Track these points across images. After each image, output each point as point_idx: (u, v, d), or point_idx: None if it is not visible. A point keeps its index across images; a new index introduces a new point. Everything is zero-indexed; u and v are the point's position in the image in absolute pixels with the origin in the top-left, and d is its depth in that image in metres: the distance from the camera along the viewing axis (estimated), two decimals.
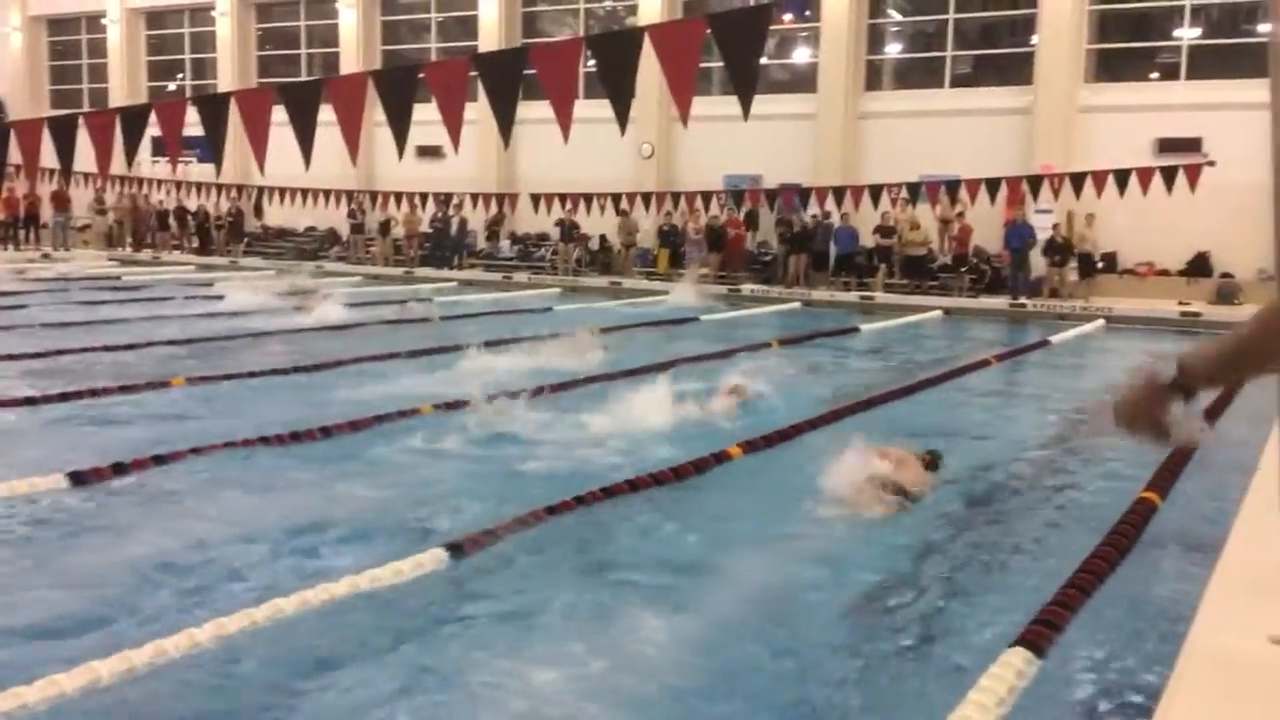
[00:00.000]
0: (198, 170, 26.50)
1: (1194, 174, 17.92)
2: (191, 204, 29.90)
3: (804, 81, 25.28)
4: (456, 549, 5.09)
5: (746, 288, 22.03)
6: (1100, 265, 20.43)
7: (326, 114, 6.62)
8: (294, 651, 4.13)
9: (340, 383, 10.10)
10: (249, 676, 3.94)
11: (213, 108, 7.07)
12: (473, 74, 5.66)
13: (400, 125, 5.87)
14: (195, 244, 30.08)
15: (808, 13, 25.09)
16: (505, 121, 5.66)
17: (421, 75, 5.86)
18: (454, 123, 5.67)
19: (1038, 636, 3.91)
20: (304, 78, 30.22)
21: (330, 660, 4.10)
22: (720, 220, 23.68)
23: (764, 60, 26.11)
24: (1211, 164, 18.11)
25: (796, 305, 20.26)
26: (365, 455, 7.31)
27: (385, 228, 27.25)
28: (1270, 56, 3.48)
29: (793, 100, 24.72)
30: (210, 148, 6.98)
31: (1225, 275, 19.99)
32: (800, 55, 26.08)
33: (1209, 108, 19.83)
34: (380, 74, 6.63)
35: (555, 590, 4.85)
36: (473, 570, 5.02)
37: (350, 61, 29.79)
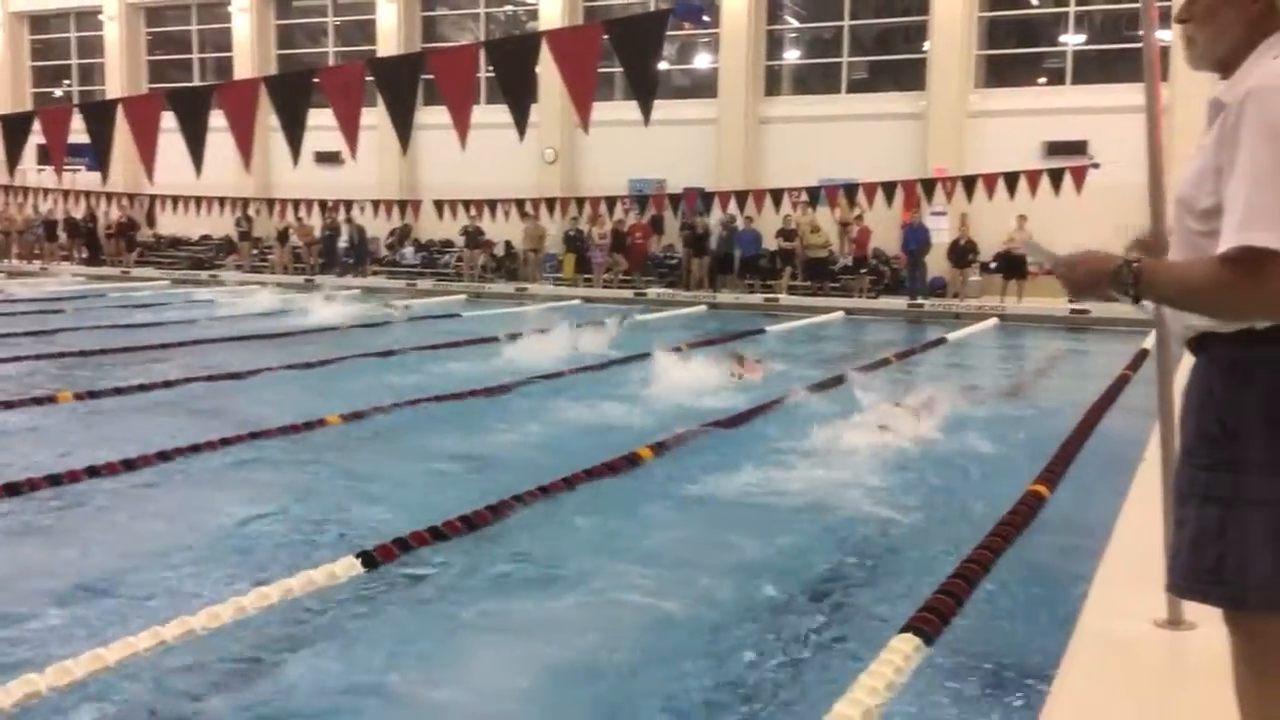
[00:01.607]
0: (86, 179, 25.68)
1: (1080, 176, 18.52)
2: (80, 213, 28.95)
3: (705, 87, 25.52)
4: (369, 558, 5.03)
5: (653, 291, 22.14)
6: (993, 265, 20.95)
7: (220, 120, 6.49)
8: (204, 669, 4.04)
9: (247, 393, 9.91)
10: (156, 698, 3.84)
11: (99, 114, 6.87)
12: (370, 79, 5.61)
13: (295, 131, 5.78)
14: (85, 254, 29.13)
15: (706, 18, 25.31)
16: (403, 127, 5.61)
17: (316, 80, 5.79)
18: (350, 128, 5.60)
19: (925, 623, 4.02)
20: (196, 83, 29.50)
21: (244, 674, 4.02)
22: (625, 225, 23.77)
23: (665, 66, 26.30)
24: (1096, 166, 18.74)
25: (703, 308, 20.42)
26: (276, 465, 7.20)
27: (283, 235, 26.73)
28: (1145, 62, 3.63)
29: (695, 105, 24.93)
30: (96, 155, 6.78)
31: (1112, 298, 20.69)
32: (701, 61, 26.32)
33: (1094, 111, 20.52)
34: (273, 79, 6.51)
35: (470, 596, 4.84)
36: (388, 579, 4.98)
37: (244, 66, 29.15)
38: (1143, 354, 12.19)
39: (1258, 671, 2.16)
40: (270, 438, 7.77)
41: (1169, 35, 21.42)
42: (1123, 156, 17.11)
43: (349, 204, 25.59)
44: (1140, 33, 3.61)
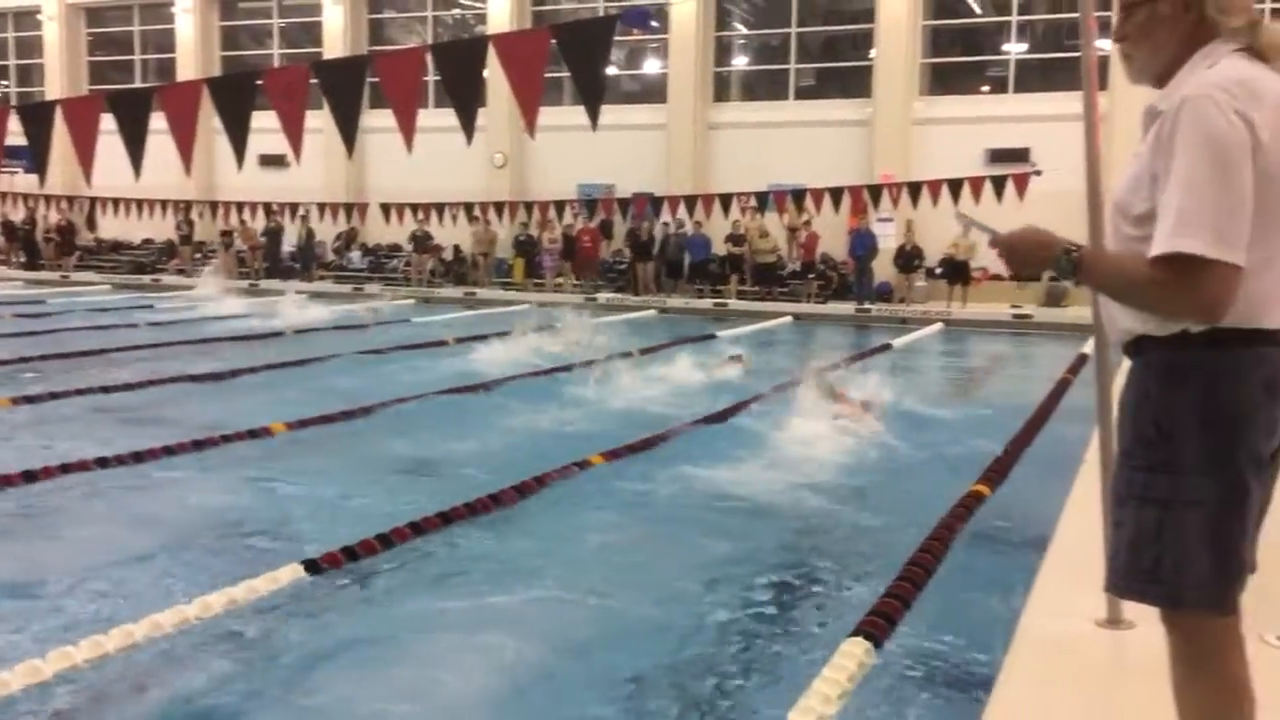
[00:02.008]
0: (24, 181, 25.16)
1: (1022, 183, 18.80)
2: (18, 217, 28.34)
3: (654, 92, 25.58)
4: (313, 566, 4.97)
5: (603, 296, 22.14)
6: (938, 271, 21.20)
7: (162, 122, 6.38)
8: (145, 679, 3.98)
9: (187, 400, 9.77)
10: (95, 708, 3.77)
11: (37, 116, 6.74)
12: (315, 81, 5.55)
13: (238, 134, 5.70)
14: (23, 259, 28.53)
15: (655, 24, 25.39)
16: (348, 131, 5.56)
17: (260, 82, 5.72)
18: (294, 131, 5.54)
19: (874, 627, 4.05)
20: (138, 85, 29.03)
21: (185, 684, 3.96)
22: (575, 229, 23.75)
23: (615, 71, 26.35)
24: (1038, 173, 19.05)
25: (652, 313, 20.45)
26: (221, 473, 7.11)
27: (227, 239, 26.36)
28: (1083, 71, 3.69)
29: (644, 110, 24.97)
30: (34, 158, 6.64)
31: (1054, 279, 20.93)
32: (651, 66, 26.38)
33: (1036, 119, 20.85)
34: (216, 81, 6.42)
35: (418, 604, 4.81)
36: (331, 587, 4.92)
37: (188, 68, 28.72)
38: (1083, 358, 12.40)
39: (1194, 669, 2.20)
40: (214, 445, 7.65)
41: (1108, 45, 21.92)
42: (1064, 163, 17.38)
43: (294, 207, 25.29)
44: (1080, 42, 3.68)
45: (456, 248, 25.13)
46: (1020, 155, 21.02)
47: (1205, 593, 2.13)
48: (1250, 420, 2.10)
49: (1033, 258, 2.27)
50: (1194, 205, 2.01)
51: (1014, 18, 22.93)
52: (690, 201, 22.05)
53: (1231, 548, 2.12)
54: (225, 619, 4.44)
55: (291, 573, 4.88)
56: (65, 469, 6.72)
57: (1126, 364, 2.30)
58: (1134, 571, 2.19)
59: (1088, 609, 3.61)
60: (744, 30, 26.14)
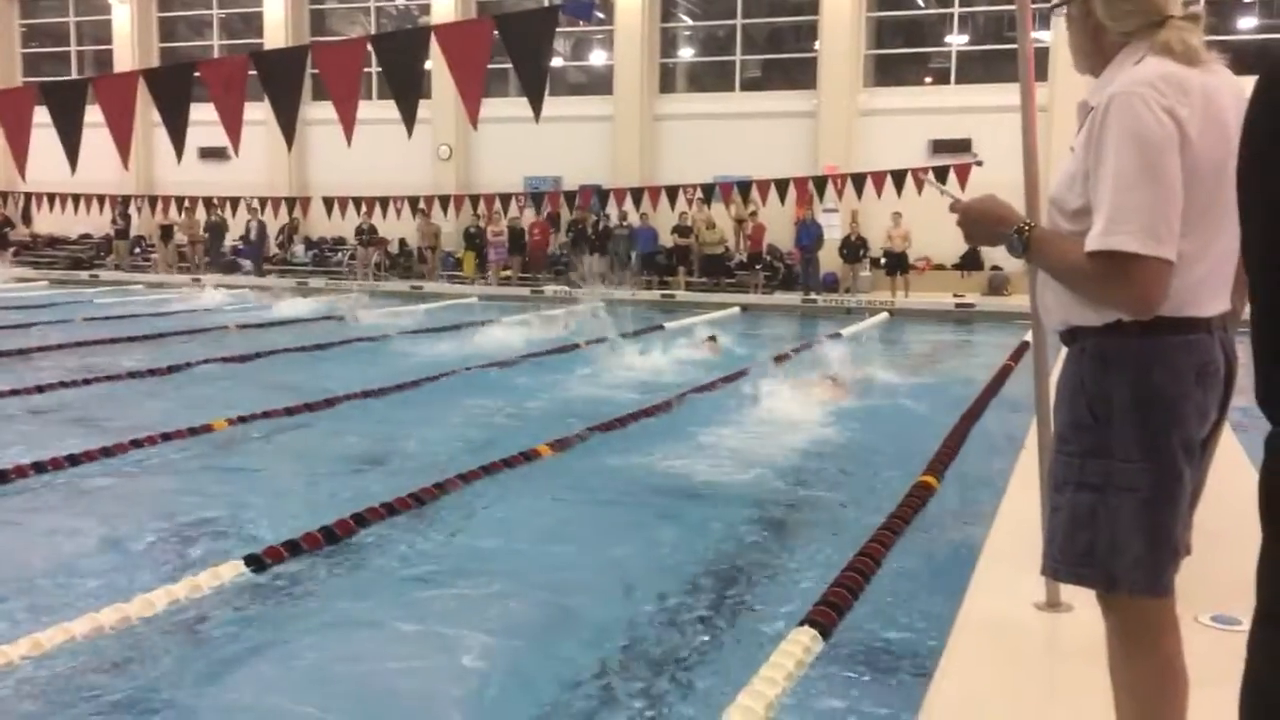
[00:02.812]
0: None
1: (964, 173, 19.00)
2: None
3: (600, 84, 25.53)
4: (256, 561, 4.92)
5: (550, 289, 22.08)
6: (883, 261, 21.41)
7: (98, 115, 6.25)
8: (84, 678, 3.91)
9: (126, 398, 9.61)
10: (31, 707, 3.70)
11: None
12: (254, 73, 5.47)
13: (176, 126, 5.60)
14: None
15: (601, 15, 25.33)
16: (288, 123, 5.49)
17: (198, 74, 5.62)
18: (233, 124, 5.46)
19: (822, 616, 4.09)
20: (74, 76, 28.42)
21: (125, 683, 3.90)
22: (522, 222, 23.65)
23: (561, 62, 26.25)
24: (979, 164, 19.26)
25: (599, 305, 20.41)
26: (169, 471, 7.02)
27: (167, 233, 25.92)
28: (1020, 63, 3.75)
29: (590, 102, 24.92)
30: None
31: (995, 268, 21.34)
32: (597, 58, 26.32)
33: (977, 110, 21.11)
34: (152, 72, 6.31)
35: (362, 597, 4.77)
36: (275, 582, 4.88)
37: (125, 60, 28.17)
38: (1024, 346, 12.58)
39: (1130, 650, 2.25)
40: (153, 444, 7.53)
41: (1046, 36, 22.17)
42: (1004, 154, 17.64)
43: (235, 201, 24.93)
44: (1032, 33, 3.74)
45: (402, 241, 24.92)
46: (962, 146, 21.28)
47: (1139, 575, 2.17)
48: (1182, 406, 2.15)
49: (988, 229, 2.32)
50: (1125, 202, 2.06)
51: (955, 9, 23.18)
52: (637, 193, 22.05)
53: (1165, 531, 2.17)
54: (167, 616, 4.38)
55: (234, 569, 4.83)
56: (2, 477, 6.58)
57: (1064, 352, 2.34)
58: (1070, 555, 2.24)
59: (1027, 592, 3.67)
60: (689, 22, 26.18)
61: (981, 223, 2.33)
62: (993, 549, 4.42)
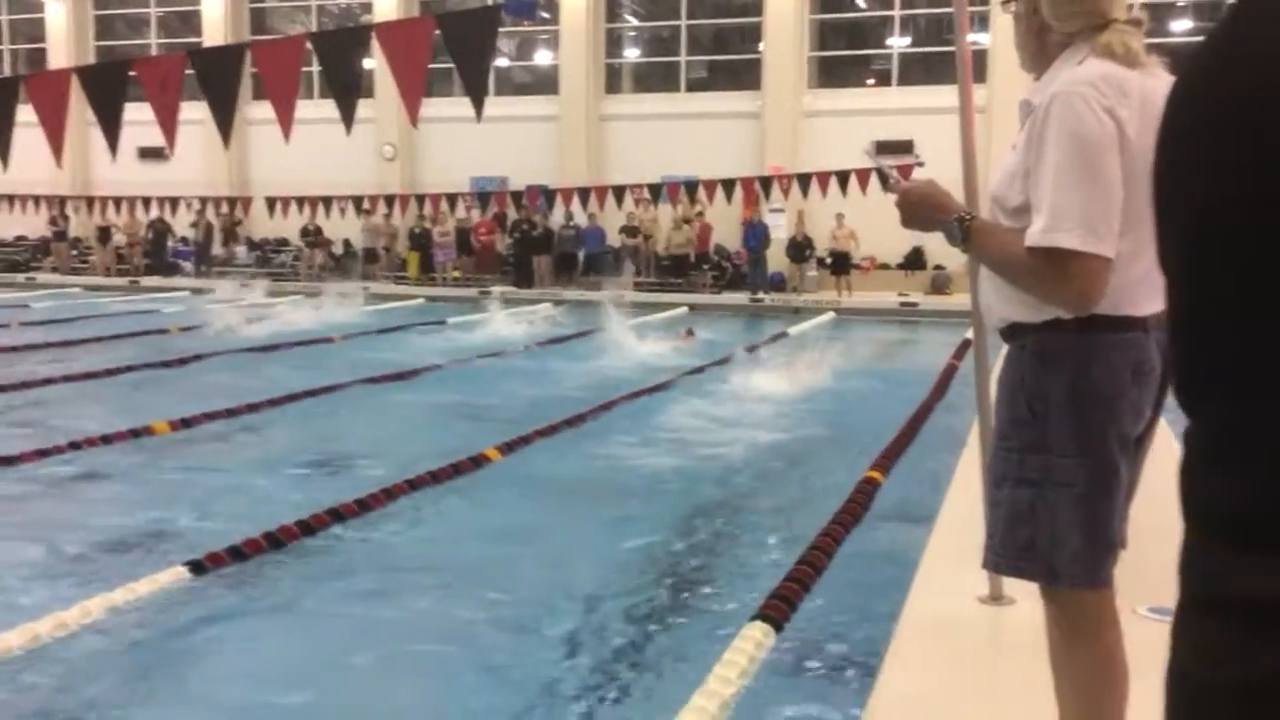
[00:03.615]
0: None
1: (906, 173, 19.13)
2: None
3: (546, 84, 25.46)
4: (198, 567, 4.84)
5: (497, 290, 21.95)
6: (828, 261, 21.58)
7: (32, 114, 6.10)
8: (25, 688, 3.82)
9: (66, 401, 9.41)
10: None
11: None
12: (191, 72, 5.38)
13: (110, 125, 5.49)
14: None
15: (546, 15, 25.27)
16: (225, 122, 5.41)
17: (133, 72, 5.52)
18: (169, 123, 5.36)
19: (775, 610, 4.11)
20: (6, 75, 27.78)
21: (62, 693, 3.82)
22: (469, 223, 23.51)
23: (506, 62, 26.14)
24: (921, 164, 19.44)
25: (548, 306, 20.37)
26: (109, 475, 6.89)
27: (104, 235, 25.43)
28: (957, 64, 3.79)
29: (536, 102, 24.84)
30: None
31: (938, 267, 21.59)
32: (542, 57, 26.25)
33: (919, 112, 21.32)
34: (86, 70, 6.18)
35: (306, 604, 4.72)
36: (217, 588, 4.80)
37: (59, 58, 27.56)
38: (967, 344, 12.68)
39: (1070, 642, 2.28)
40: (92, 446, 7.39)
41: (985, 39, 22.41)
42: (945, 154, 17.87)
43: (174, 201, 24.48)
44: (969, 35, 3.78)
45: (346, 242, 24.67)
46: (905, 147, 21.47)
47: (1079, 568, 2.21)
48: (1119, 403, 2.18)
49: (927, 214, 2.34)
50: (1066, 200, 2.09)
51: (896, 12, 23.42)
52: (584, 193, 22.01)
53: (1102, 525, 2.21)
54: (106, 623, 4.29)
55: (174, 575, 4.75)
56: None
57: (1005, 349, 2.36)
58: (1010, 549, 2.26)
59: (971, 587, 3.72)
60: (635, 22, 26.19)
61: (921, 207, 2.35)
62: (936, 544, 4.47)
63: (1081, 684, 2.28)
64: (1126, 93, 2.13)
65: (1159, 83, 2.20)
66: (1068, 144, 2.10)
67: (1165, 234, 0.72)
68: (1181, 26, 22.38)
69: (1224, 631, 0.65)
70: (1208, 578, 0.67)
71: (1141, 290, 2.20)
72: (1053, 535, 2.20)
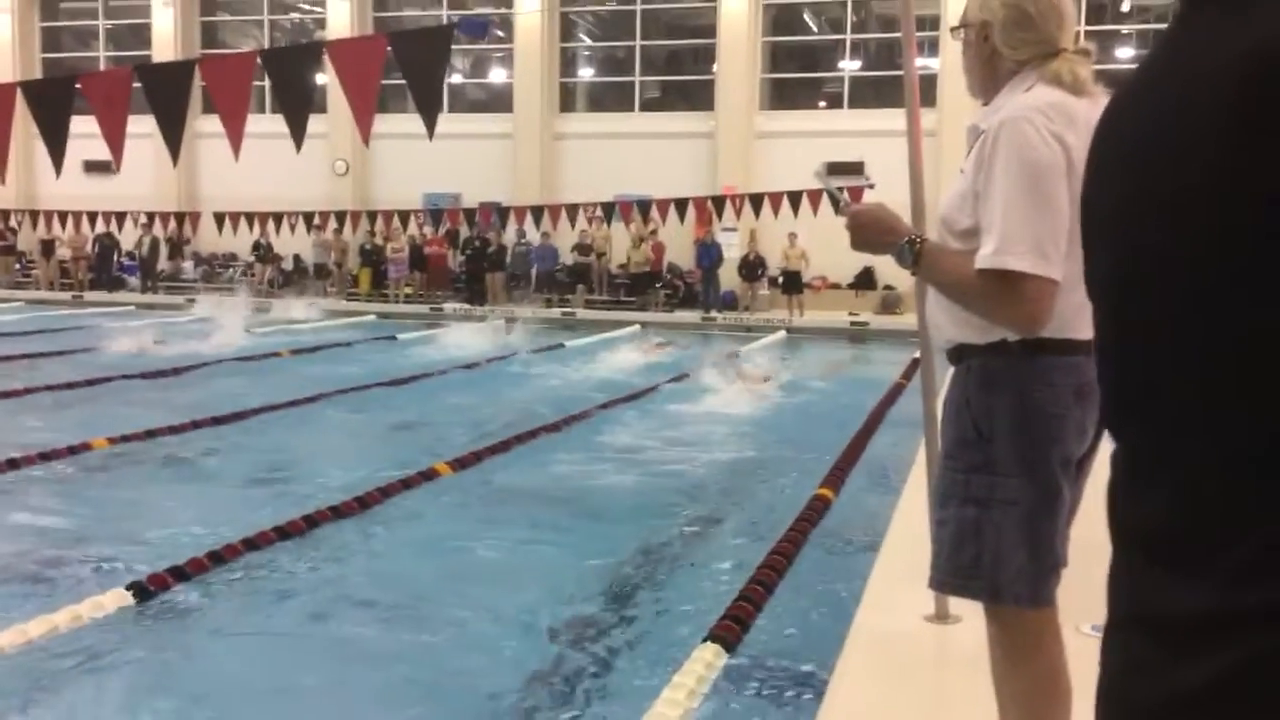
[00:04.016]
0: None
1: (857, 195, 19.37)
2: None
3: (501, 101, 25.45)
4: (141, 589, 4.75)
5: (449, 307, 21.87)
6: (780, 280, 21.73)
7: None
8: None
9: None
10: None
11: None
12: (138, 85, 5.32)
13: (55, 140, 5.41)
14: None
15: (501, 34, 25.30)
16: (173, 137, 5.35)
17: (79, 86, 5.44)
18: (115, 138, 5.29)
19: (726, 631, 4.12)
20: None
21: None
22: (422, 239, 23.40)
23: (460, 80, 26.11)
24: (871, 186, 19.68)
25: (500, 322, 20.30)
26: (48, 494, 6.76)
27: (48, 249, 24.98)
28: (905, 88, 3.85)
29: (490, 120, 24.82)
30: None
31: (888, 287, 21.81)
32: (496, 75, 26.24)
33: (869, 134, 21.56)
34: (31, 85, 6.09)
35: (251, 624, 4.65)
36: (160, 610, 4.72)
37: (5, 71, 27.09)
38: (916, 363, 12.83)
39: (1013, 660, 2.31)
40: (31, 465, 7.24)
41: (934, 63, 22.75)
42: (895, 176, 18.04)
43: (121, 216, 24.10)
44: (916, 59, 3.83)
45: (297, 257, 24.45)
46: (856, 168, 21.70)
47: (1022, 587, 2.23)
48: (1062, 425, 2.21)
49: (876, 237, 2.34)
50: (1015, 223, 2.12)
51: (848, 36, 23.72)
52: (537, 211, 21.99)
53: (1046, 544, 2.24)
54: (46, 647, 4.20)
55: (117, 597, 4.66)
56: None
57: (952, 370, 2.39)
58: (955, 568, 2.29)
59: (917, 605, 3.74)
60: (589, 42, 26.28)
61: (870, 230, 2.36)
62: (884, 563, 4.51)
63: (1024, 702, 2.30)
64: (1073, 120, 2.17)
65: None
66: (1017, 169, 2.14)
67: (1092, 266, 0.75)
68: (1128, 55, 22.86)
69: (1146, 648, 0.67)
70: (1130, 596, 0.69)
71: (1085, 314, 2.21)
72: (997, 554, 2.23)
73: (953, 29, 2.46)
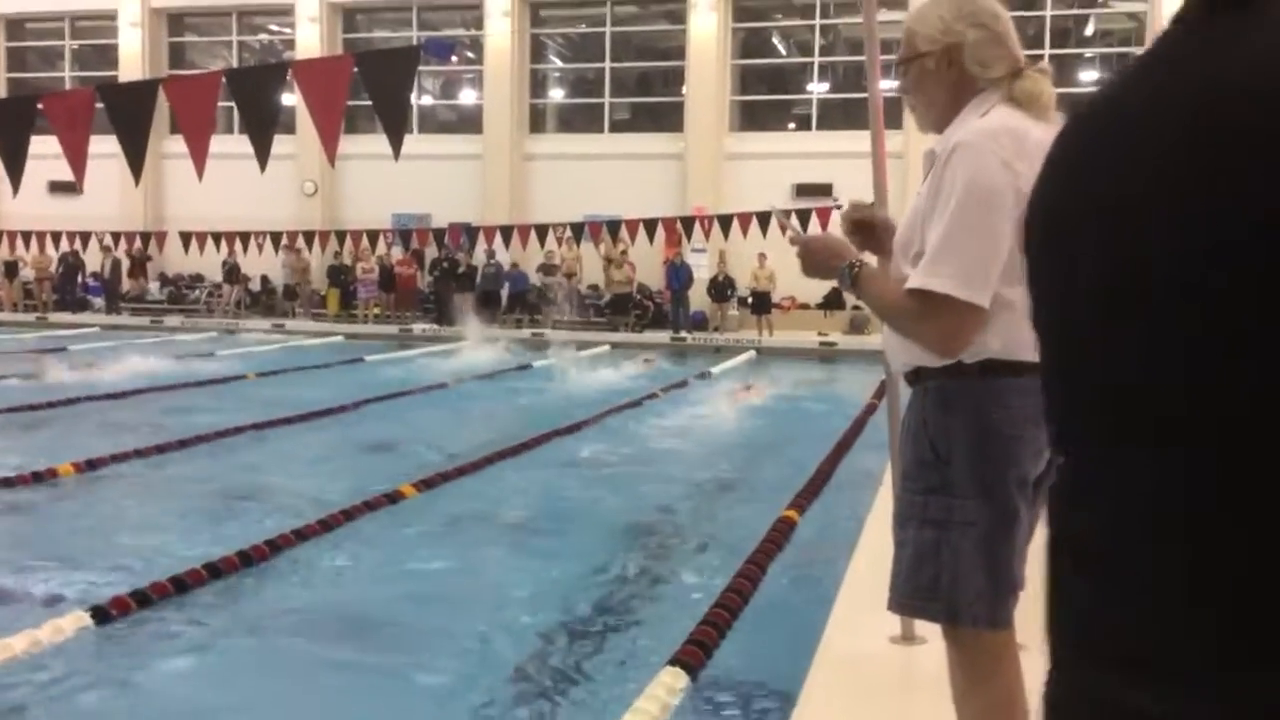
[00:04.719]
0: None
1: (825, 216, 19.51)
2: None
3: (470, 122, 25.47)
4: (102, 613, 4.68)
5: (418, 327, 21.80)
6: (749, 300, 21.81)
7: None
8: None
9: None
10: None
11: None
12: (102, 106, 5.28)
13: (14, 160, 5.37)
14: None
15: (471, 55, 25.35)
16: (136, 157, 5.31)
17: (41, 106, 5.40)
18: (77, 158, 5.26)
19: (690, 656, 4.10)
20: None
21: None
22: (391, 260, 23.34)
23: (430, 101, 26.13)
24: (839, 207, 19.82)
25: (468, 344, 20.24)
26: (11, 518, 6.72)
27: (11, 269, 24.73)
28: (870, 110, 3.89)
29: (460, 140, 24.83)
30: None
31: (856, 308, 21.91)
32: (466, 96, 26.27)
33: (837, 156, 21.71)
34: None
35: (214, 651, 4.59)
36: (122, 635, 4.65)
37: None
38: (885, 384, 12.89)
39: (972, 680, 2.31)
40: None
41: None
42: (862, 198, 18.13)
43: (86, 236, 23.88)
44: (883, 84, 3.87)
45: (264, 278, 24.30)
46: (824, 190, 21.86)
47: (981, 608, 2.24)
48: (1018, 445, 2.23)
49: (825, 264, 2.39)
50: (950, 246, 2.14)
51: (816, 59, 23.92)
52: (506, 231, 21.99)
53: (1004, 565, 2.25)
54: (6, 672, 4.13)
55: (77, 620, 4.59)
56: None
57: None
58: (914, 589, 2.29)
59: (883, 627, 3.75)
60: (559, 64, 26.37)
61: (819, 255, 2.41)
62: (850, 584, 4.51)
63: None
64: (1024, 144, 2.18)
65: None
66: (962, 193, 2.15)
67: (1034, 296, 0.76)
68: (1091, 78, 23.17)
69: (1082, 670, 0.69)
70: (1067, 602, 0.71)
71: None
72: (955, 575, 2.24)
73: (902, 61, 2.42)
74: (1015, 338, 2.21)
